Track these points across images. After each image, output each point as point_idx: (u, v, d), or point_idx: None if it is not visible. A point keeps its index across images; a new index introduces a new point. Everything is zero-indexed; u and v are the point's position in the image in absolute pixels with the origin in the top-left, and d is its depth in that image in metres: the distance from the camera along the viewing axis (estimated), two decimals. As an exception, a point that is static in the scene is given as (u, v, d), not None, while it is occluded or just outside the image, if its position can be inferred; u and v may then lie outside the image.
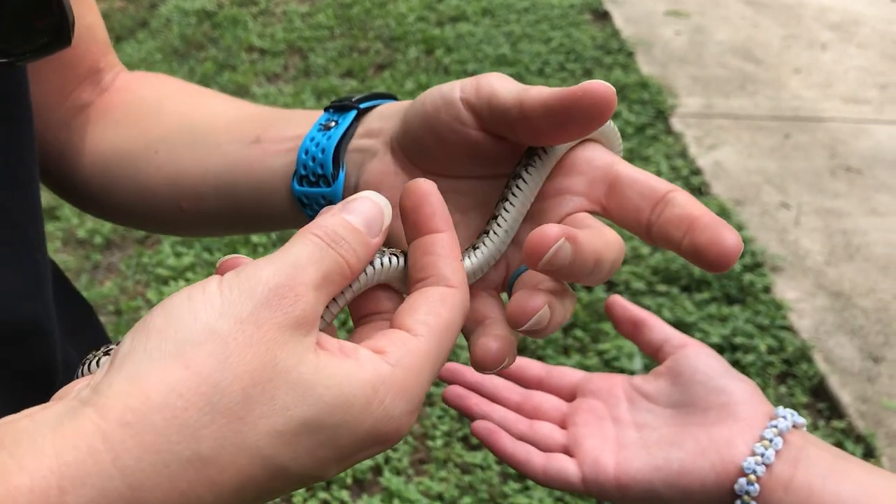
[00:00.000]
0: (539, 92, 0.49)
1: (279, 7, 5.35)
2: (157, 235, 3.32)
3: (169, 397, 0.37)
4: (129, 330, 0.40)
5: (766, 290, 3.08)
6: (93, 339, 0.87)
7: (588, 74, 4.51)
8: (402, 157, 0.59)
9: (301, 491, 2.31)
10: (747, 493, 0.65)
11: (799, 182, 3.78)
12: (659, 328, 0.78)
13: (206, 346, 0.38)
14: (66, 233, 3.38)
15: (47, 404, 0.39)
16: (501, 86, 0.52)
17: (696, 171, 3.75)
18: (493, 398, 0.79)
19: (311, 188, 0.64)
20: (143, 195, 0.77)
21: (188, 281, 3.06)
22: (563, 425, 0.76)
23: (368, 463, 2.38)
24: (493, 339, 0.51)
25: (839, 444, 2.54)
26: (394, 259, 0.51)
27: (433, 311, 0.47)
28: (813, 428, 2.61)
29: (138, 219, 0.82)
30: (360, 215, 0.47)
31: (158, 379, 0.37)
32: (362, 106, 0.65)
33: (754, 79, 4.60)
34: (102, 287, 3.10)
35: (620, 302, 0.80)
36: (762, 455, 0.66)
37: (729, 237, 0.45)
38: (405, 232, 0.52)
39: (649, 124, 4.06)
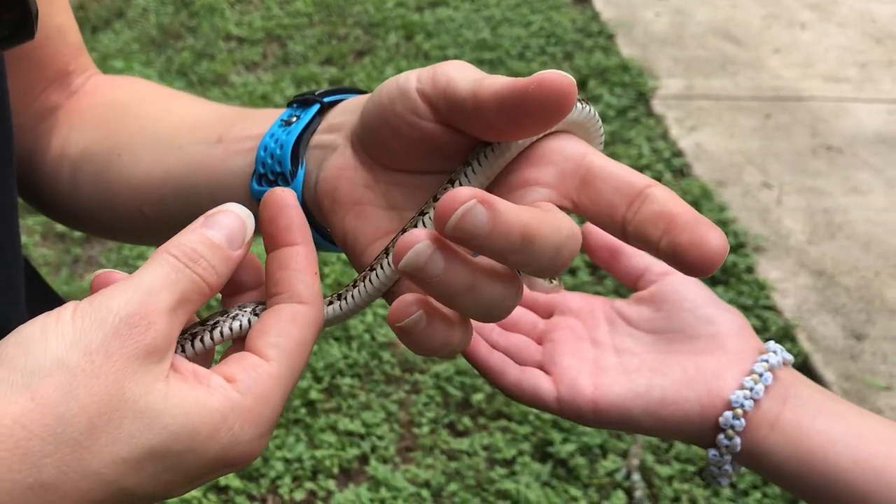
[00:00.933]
0: (493, 83, 0.45)
1: (257, -5, 5.31)
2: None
3: (13, 429, 0.38)
4: None
5: (749, 270, 3.10)
6: None
7: (569, 58, 4.50)
8: (361, 152, 0.56)
9: (287, 481, 2.31)
10: (732, 427, 0.63)
11: (780, 162, 3.78)
12: (638, 255, 0.73)
13: (54, 377, 0.39)
14: (46, 227, 3.35)
15: None
16: (459, 76, 0.48)
17: (678, 153, 3.76)
18: None
19: (270, 186, 0.61)
20: (107, 200, 0.75)
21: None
22: (539, 341, 0.72)
23: (354, 451, 2.38)
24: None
25: (823, 422, 2.56)
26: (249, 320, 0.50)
27: (284, 331, 0.47)
28: (797, 406, 2.62)
29: (105, 226, 0.80)
30: (222, 229, 0.47)
31: (3, 412, 0.38)
32: (327, 100, 0.63)
33: (734, 59, 4.60)
34: (83, 281, 3.08)
35: (595, 229, 0.74)
36: (751, 389, 0.63)
37: (713, 237, 0.41)
38: (264, 243, 0.50)
39: (630, 107, 4.06)
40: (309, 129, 0.61)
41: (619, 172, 0.46)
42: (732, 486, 2.35)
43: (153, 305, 0.42)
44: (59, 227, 3.33)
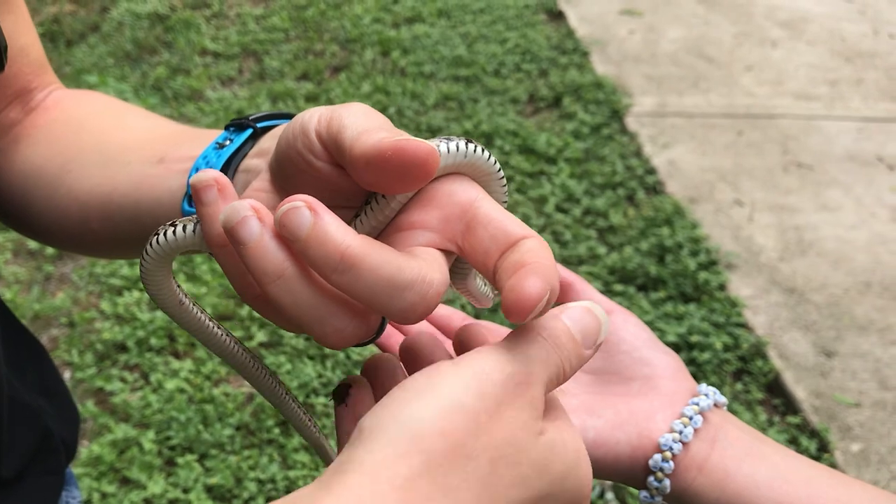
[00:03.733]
0: (365, 141, 0.45)
1: (233, 10, 5.30)
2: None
3: (433, 463, 0.39)
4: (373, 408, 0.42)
5: (721, 287, 3.13)
6: (39, 371, 0.85)
7: (544, 75, 4.53)
8: (276, 180, 0.56)
9: (261, 502, 2.30)
10: (661, 469, 0.63)
11: (752, 179, 3.83)
12: (587, 291, 0.73)
13: (456, 417, 0.40)
14: (17, 244, 3.32)
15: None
16: (350, 123, 0.47)
17: (651, 171, 3.79)
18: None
19: None
20: (56, 214, 0.75)
21: (142, 291, 3.02)
22: None
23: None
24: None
25: (794, 440, 2.58)
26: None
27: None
28: (768, 424, 2.65)
29: (56, 238, 0.80)
30: (578, 323, 0.47)
31: (418, 448, 0.39)
32: (260, 125, 0.63)
33: (707, 77, 4.66)
34: (55, 299, 3.05)
35: None
36: (680, 432, 0.64)
37: (530, 285, 0.42)
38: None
39: (604, 124, 4.09)
40: (240, 153, 0.62)
41: (499, 221, 0.46)
42: None
43: (536, 375, 0.44)
44: (31, 244, 3.30)
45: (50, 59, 0.84)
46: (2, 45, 0.59)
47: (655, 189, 3.70)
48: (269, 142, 0.60)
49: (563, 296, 0.74)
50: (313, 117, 0.50)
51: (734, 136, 4.14)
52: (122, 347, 2.83)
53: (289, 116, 0.65)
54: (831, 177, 3.86)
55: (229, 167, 0.61)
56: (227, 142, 0.63)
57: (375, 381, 0.53)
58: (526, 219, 3.44)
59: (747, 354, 2.85)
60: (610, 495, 2.36)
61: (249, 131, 0.63)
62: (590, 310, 0.48)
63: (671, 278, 3.12)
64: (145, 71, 4.56)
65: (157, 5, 5.26)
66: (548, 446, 0.43)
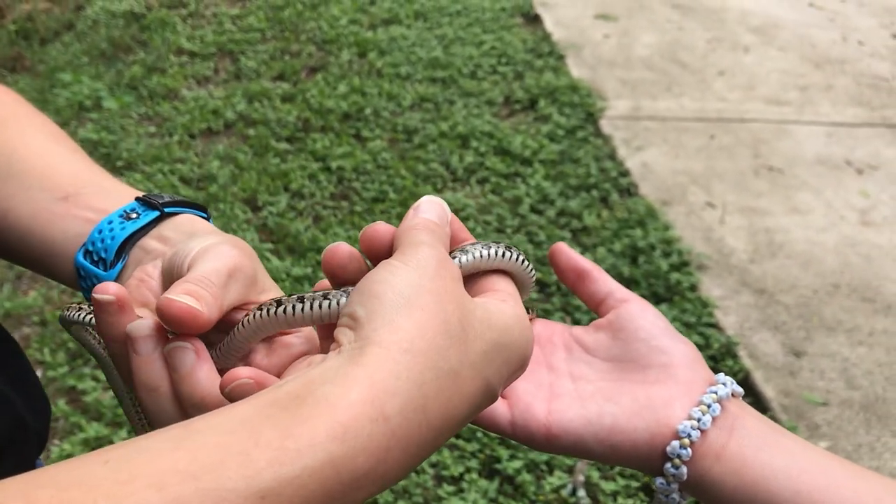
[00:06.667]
0: (171, 289, 0.56)
1: (209, 9, 5.29)
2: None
3: (422, 331, 0.48)
4: (352, 298, 0.52)
5: (693, 288, 3.17)
6: (9, 361, 0.85)
7: (520, 77, 4.56)
8: (162, 276, 0.66)
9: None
10: (678, 456, 0.64)
11: (723, 182, 3.88)
12: (603, 280, 0.74)
13: (424, 296, 0.50)
14: (-12, 242, 3.29)
15: (314, 362, 0.51)
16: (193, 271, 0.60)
17: (625, 173, 3.83)
18: None
19: (92, 266, 0.69)
20: None
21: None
22: None
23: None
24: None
25: (763, 437, 2.62)
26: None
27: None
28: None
29: None
30: (432, 212, 0.58)
31: (409, 321, 0.48)
32: (167, 210, 0.71)
33: (680, 81, 4.71)
34: (26, 297, 3.03)
35: (565, 250, 0.76)
36: (699, 420, 0.64)
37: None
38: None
39: (579, 127, 4.13)
40: (143, 230, 0.69)
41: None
42: None
43: (444, 253, 0.54)
44: (3, 243, 3.27)
45: (23, 57, 0.84)
46: None
47: (629, 191, 3.73)
48: (171, 231, 0.69)
49: (580, 283, 0.75)
50: (187, 258, 0.62)
51: (706, 139, 4.19)
52: (95, 346, 2.82)
53: (196, 206, 0.73)
54: (801, 180, 3.92)
55: (130, 240, 0.69)
56: (134, 215, 0.70)
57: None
58: (501, 219, 3.46)
59: (718, 354, 2.89)
60: (581, 493, 2.38)
61: (156, 214, 0.70)
62: (432, 199, 0.59)
63: (644, 279, 3.16)
64: (120, 70, 4.53)
65: (132, 4, 5.23)
66: (482, 307, 0.54)
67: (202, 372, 0.55)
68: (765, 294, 3.24)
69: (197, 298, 0.55)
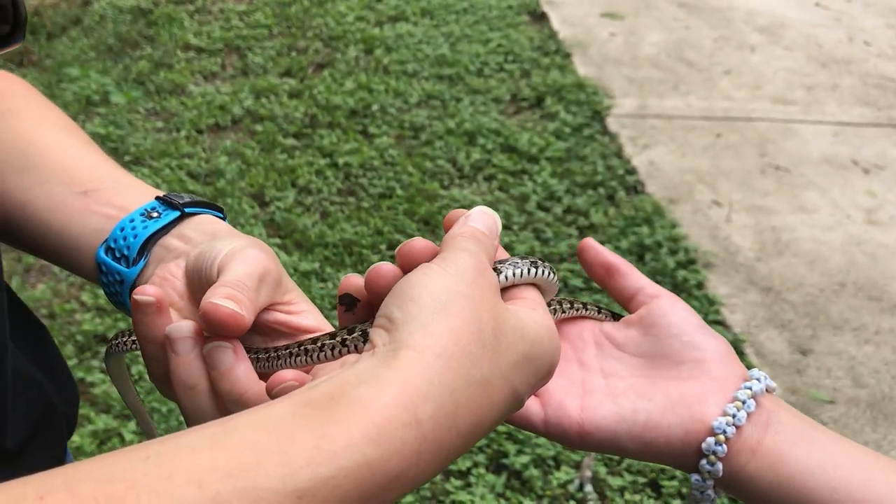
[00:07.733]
0: (204, 297, 0.59)
1: (216, 5, 5.29)
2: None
3: (457, 337, 0.49)
4: (389, 300, 0.53)
5: (700, 286, 3.17)
6: (40, 346, 0.86)
7: (526, 75, 4.56)
8: (186, 277, 0.68)
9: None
10: (714, 452, 0.64)
11: (730, 180, 3.89)
12: (633, 276, 0.74)
13: (460, 302, 0.51)
14: (-3, 235, 3.30)
15: (347, 362, 0.55)
16: (224, 274, 0.62)
17: (631, 171, 3.84)
18: None
19: (114, 262, 0.70)
20: None
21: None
22: None
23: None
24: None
25: (769, 435, 2.63)
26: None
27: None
28: (744, 419, 2.69)
29: None
30: (481, 223, 0.59)
31: (444, 326, 0.49)
32: (188, 210, 0.72)
33: (687, 80, 4.71)
34: (35, 290, 3.04)
35: (594, 245, 0.75)
36: (734, 416, 0.64)
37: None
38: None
39: (586, 124, 4.13)
40: (164, 228, 0.71)
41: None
42: None
43: (485, 263, 0.55)
44: (12, 236, 3.28)
45: (31, 51, 0.84)
46: (24, 17, 0.63)
47: (635, 189, 3.74)
48: (192, 231, 0.71)
49: (609, 279, 0.75)
50: (216, 260, 0.64)
51: (713, 138, 4.20)
52: (103, 339, 2.83)
53: (215, 207, 0.74)
54: (808, 179, 3.92)
55: (151, 238, 0.70)
56: (155, 214, 0.71)
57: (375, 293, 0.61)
58: (508, 216, 3.47)
59: (724, 351, 2.89)
60: (589, 488, 2.39)
61: (177, 213, 0.72)
62: (484, 210, 0.60)
63: (650, 276, 3.13)
64: (127, 65, 4.54)
65: (139, -1, 5.24)
66: (516, 317, 0.54)
67: (240, 369, 0.57)
68: (771, 292, 3.25)
69: (237, 303, 0.58)
